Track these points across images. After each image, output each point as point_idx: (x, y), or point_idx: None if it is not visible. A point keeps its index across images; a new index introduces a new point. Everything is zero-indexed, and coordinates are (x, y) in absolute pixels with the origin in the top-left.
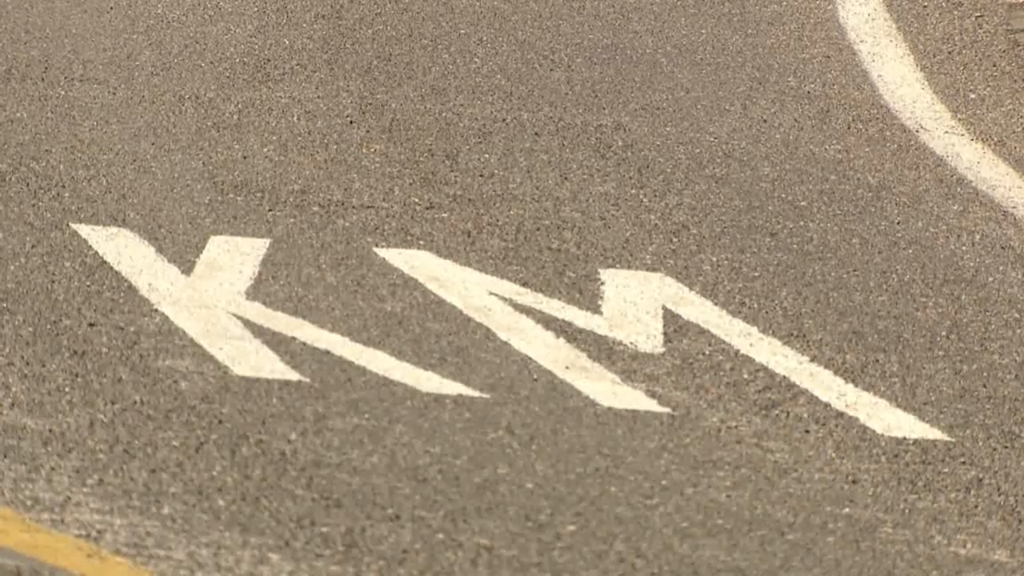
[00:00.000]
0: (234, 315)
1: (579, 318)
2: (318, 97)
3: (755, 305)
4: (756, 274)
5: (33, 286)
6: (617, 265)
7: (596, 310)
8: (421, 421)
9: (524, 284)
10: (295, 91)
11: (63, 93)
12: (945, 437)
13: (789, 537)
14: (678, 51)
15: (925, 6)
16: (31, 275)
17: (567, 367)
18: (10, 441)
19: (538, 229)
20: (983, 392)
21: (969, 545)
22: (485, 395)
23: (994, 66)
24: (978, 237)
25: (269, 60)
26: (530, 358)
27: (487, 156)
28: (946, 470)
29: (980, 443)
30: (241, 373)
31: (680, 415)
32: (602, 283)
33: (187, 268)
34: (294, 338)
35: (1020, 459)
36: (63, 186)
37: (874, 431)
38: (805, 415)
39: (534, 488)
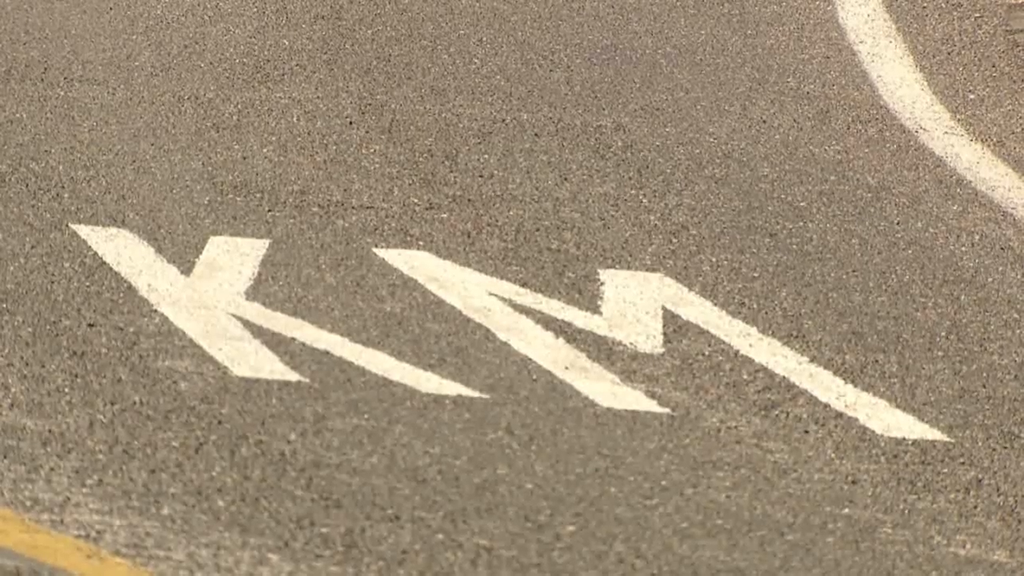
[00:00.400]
0: (234, 316)
1: (579, 318)
2: (317, 98)
3: (754, 305)
4: (755, 275)
5: (32, 287)
6: (617, 265)
7: (596, 310)
8: (421, 422)
9: (524, 284)
10: (294, 92)
11: (62, 94)
12: (944, 437)
13: (789, 537)
14: (677, 52)
15: (924, 7)
16: (30, 276)
17: (567, 367)
18: (9, 442)
19: (538, 230)
20: (982, 392)
21: (968, 545)
22: (485, 395)
23: (993, 67)
24: (977, 238)
25: (268, 61)
26: (530, 358)
27: (487, 157)
28: (945, 470)
29: (979, 444)
30: (240, 374)
31: (680, 416)
32: (601, 283)
33: (187, 269)
34: (293, 339)
35: (1019, 460)
36: (62, 187)
37: (873, 431)
38: (804, 415)
39: (534, 489)
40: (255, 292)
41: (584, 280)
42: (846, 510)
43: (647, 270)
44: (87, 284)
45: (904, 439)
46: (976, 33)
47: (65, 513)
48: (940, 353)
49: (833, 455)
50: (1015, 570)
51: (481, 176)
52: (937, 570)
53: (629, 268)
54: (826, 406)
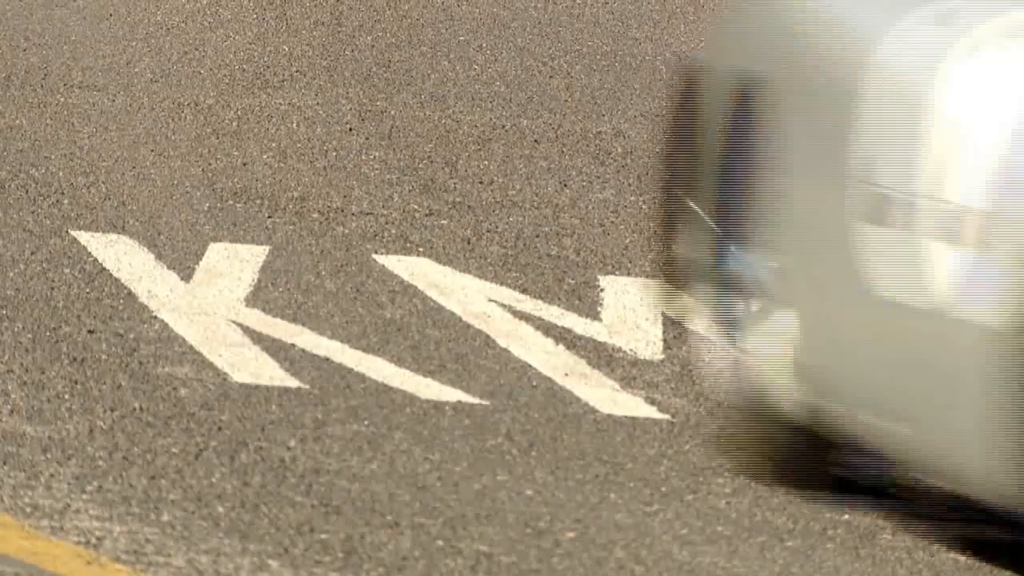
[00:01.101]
0: (233, 322)
1: (578, 325)
2: (317, 104)
3: None
4: None
5: (32, 293)
6: (616, 272)
7: (596, 317)
8: (420, 428)
9: (523, 291)
10: (294, 98)
11: (62, 100)
12: None
13: (789, 544)
14: (677, 58)
15: None
16: (30, 282)
17: (566, 374)
18: (9, 448)
19: (537, 236)
20: None
21: (969, 551)
22: (484, 402)
23: None
24: None
25: (268, 67)
26: (529, 365)
27: (486, 163)
28: None
29: None
30: (240, 380)
31: (680, 422)
32: (601, 290)
33: (186, 275)
34: (293, 345)
35: None
36: (62, 193)
37: None
38: None
39: (533, 495)
40: (255, 298)
41: (584, 286)
42: (846, 516)
43: (647, 276)
44: (87, 290)
45: None
46: None
47: (65, 519)
48: None
49: None
50: None
51: (481, 182)
52: None
53: (629, 274)
54: None
